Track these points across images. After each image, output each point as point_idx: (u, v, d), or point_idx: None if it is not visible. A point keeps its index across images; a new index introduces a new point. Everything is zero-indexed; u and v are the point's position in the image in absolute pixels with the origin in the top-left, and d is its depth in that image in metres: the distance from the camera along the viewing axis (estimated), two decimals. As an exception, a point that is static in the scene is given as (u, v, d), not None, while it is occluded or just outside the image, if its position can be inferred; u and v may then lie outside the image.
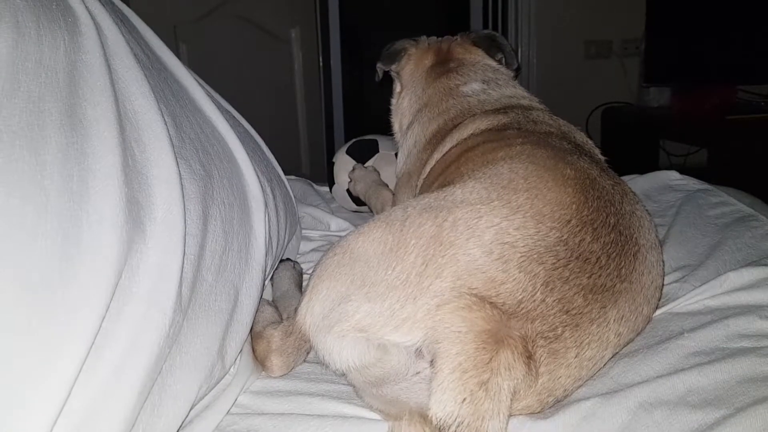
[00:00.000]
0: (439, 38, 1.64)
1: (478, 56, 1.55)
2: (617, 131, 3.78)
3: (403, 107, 1.58)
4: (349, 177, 1.70)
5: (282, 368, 0.94)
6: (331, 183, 1.80)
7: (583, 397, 0.80)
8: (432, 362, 0.70)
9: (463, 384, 0.66)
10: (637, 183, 1.66)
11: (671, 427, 0.73)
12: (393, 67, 1.63)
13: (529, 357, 0.70)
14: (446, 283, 0.73)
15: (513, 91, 1.45)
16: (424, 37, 1.65)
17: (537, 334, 0.72)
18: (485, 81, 1.47)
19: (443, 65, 1.54)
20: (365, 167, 1.71)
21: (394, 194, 1.53)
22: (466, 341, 0.68)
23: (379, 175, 1.68)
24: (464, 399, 0.65)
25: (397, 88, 1.64)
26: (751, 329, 0.88)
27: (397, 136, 1.62)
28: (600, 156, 1.20)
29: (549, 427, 0.76)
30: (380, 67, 1.65)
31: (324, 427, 0.80)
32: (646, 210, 0.98)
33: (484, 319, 0.69)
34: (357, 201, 1.71)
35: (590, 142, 1.24)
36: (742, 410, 0.72)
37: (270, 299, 1.14)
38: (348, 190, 1.72)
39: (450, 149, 1.24)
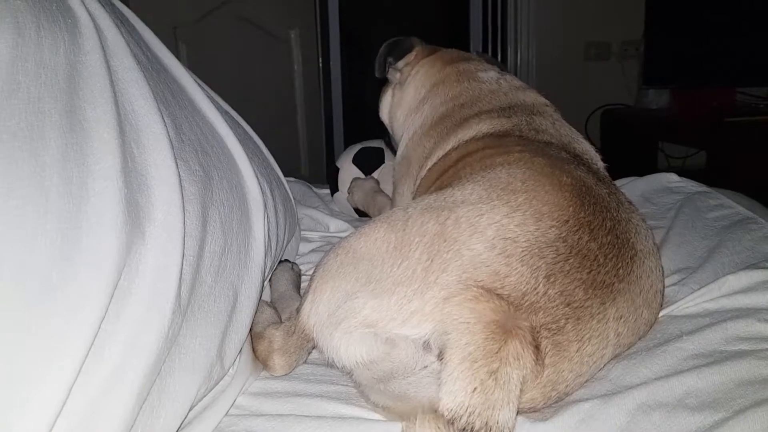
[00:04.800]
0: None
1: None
2: (616, 133, 3.79)
3: (407, 94, 1.56)
4: (348, 191, 1.72)
5: (284, 367, 0.94)
6: (332, 186, 1.80)
7: (581, 399, 0.80)
8: (440, 354, 0.70)
9: (474, 373, 0.66)
10: (636, 185, 1.66)
11: (669, 429, 0.73)
12: (400, 63, 1.60)
13: (536, 347, 0.70)
14: (452, 276, 0.74)
15: (522, 84, 1.46)
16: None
17: (541, 326, 0.73)
18: (499, 72, 1.50)
19: (458, 54, 1.57)
20: (365, 178, 1.72)
21: (393, 184, 1.51)
22: (475, 331, 0.68)
23: (378, 183, 1.69)
24: (475, 388, 0.65)
25: (395, 82, 1.62)
26: (750, 332, 0.88)
27: (401, 128, 1.57)
28: (600, 164, 1.21)
29: (548, 429, 0.76)
30: (390, 61, 1.61)
31: (322, 427, 0.80)
32: (642, 219, 0.99)
33: (492, 309, 0.70)
34: (359, 212, 1.72)
35: (591, 151, 1.24)
36: (740, 413, 0.72)
37: (269, 300, 1.14)
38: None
39: (450, 151, 1.25)
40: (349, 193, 1.71)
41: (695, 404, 0.76)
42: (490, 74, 1.47)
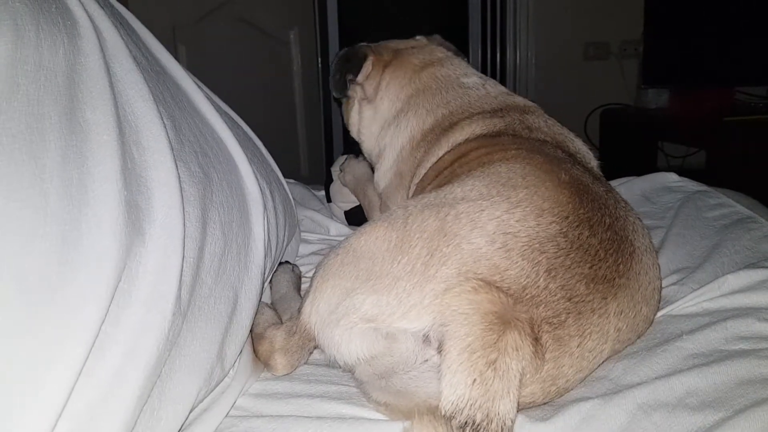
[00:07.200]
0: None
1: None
2: (616, 133, 3.79)
3: (382, 108, 1.45)
4: (340, 168, 1.70)
5: (286, 367, 0.94)
6: (327, 191, 1.80)
7: (582, 398, 0.80)
8: (440, 346, 0.71)
9: (472, 364, 0.66)
10: (636, 184, 1.66)
11: (670, 429, 0.73)
12: (360, 77, 1.46)
13: (535, 339, 0.71)
14: (452, 269, 0.75)
15: (506, 90, 1.42)
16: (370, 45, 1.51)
17: (542, 320, 0.74)
18: (480, 77, 1.43)
19: (426, 54, 1.47)
20: (359, 159, 1.67)
21: (382, 198, 1.46)
22: (473, 322, 0.69)
23: (371, 167, 1.64)
24: (474, 380, 0.66)
25: (358, 98, 1.50)
26: (750, 331, 0.88)
27: (376, 143, 1.48)
28: (593, 163, 1.21)
29: (548, 429, 0.76)
30: (350, 78, 1.47)
31: (322, 428, 0.80)
32: (638, 217, 0.99)
33: (491, 301, 0.70)
34: (349, 218, 1.70)
35: (584, 149, 1.24)
36: (740, 412, 0.72)
37: (269, 302, 1.14)
38: (345, 213, 1.71)
39: (444, 155, 1.24)
40: (341, 171, 1.70)
41: (696, 404, 0.76)
42: (473, 79, 1.40)
